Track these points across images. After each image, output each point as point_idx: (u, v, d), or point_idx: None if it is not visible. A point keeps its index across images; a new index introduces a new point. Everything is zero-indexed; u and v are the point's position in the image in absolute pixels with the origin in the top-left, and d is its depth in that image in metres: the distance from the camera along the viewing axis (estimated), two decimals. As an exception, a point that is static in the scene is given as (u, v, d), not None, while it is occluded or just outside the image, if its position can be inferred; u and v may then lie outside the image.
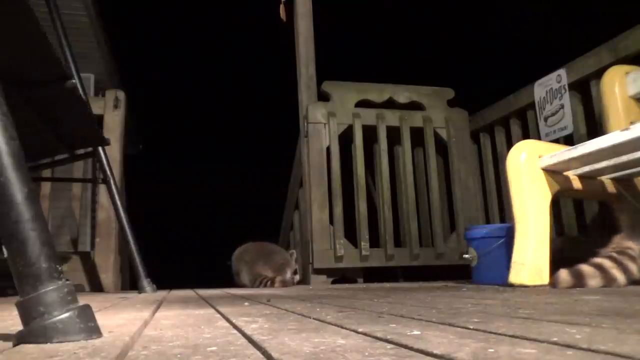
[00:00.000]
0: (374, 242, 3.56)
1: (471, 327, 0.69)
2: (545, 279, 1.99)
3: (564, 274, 1.76)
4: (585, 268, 1.74)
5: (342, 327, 0.74)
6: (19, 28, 1.38)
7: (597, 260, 1.77)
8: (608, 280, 1.72)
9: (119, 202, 2.92)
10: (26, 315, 0.72)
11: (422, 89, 3.92)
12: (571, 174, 2.16)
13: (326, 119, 3.62)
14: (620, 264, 1.74)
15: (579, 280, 1.72)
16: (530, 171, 2.08)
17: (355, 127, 3.64)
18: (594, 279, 1.71)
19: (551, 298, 1.28)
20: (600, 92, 2.42)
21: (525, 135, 3.30)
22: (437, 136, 3.82)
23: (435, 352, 0.50)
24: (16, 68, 1.56)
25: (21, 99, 1.72)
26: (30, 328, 0.71)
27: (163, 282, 3.15)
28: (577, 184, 2.18)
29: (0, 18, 1.31)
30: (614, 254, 1.77)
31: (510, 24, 9.93)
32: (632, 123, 2.04)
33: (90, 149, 3.00)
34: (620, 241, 1.84)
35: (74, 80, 1.82)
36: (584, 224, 2.90)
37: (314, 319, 0.90)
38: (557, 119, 3.03)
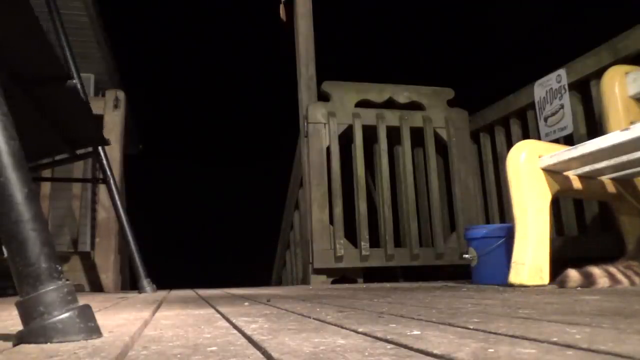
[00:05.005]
0: (374, 242, 3.55)
1: (471, 327, 0.69)
2: (545, 279, 1.99)
3: (573, 272, 1.76)
4: (594, 269, 1.75)
5: (342, 327, 0.74)
6: (19, 25, 1.39)
7: (604, 266, 1.78)
8: (615, 282, 1.72)
9: (119, 202, 2.93)
10: (26, 315, 0.72)
11: (422, 89, 3.92)
12: (571, 174, 2.16)
13: (326, 119, 3.62)
14: (625, 275, 1.74)
15: (588, 280, 1.72)
16: (530, 171, 2.08)
17: (355, 127, 3.64)
18: (602, 279, 1.72)
19: (551, 298, 1.28)
20: (600, 92, 2.42)
21: (525, 135, 3.30)
22: (437, 136, 3.82)
23: (435, 352, 0.50)
24: (16, 62, 1.56)
25: (25, 98, 1.73)
26: (30, 328, 0.71)
27: (163, 282, 3.15)
28: (577, 184, 2.18)
29: (1, 16, 1.31)
30: (621, 267, 1.78)
31: (510, 24, 9.94)
32: (632, 123, 2.04)
33: (90, 148, 3.00)
34: (625, 260, 1.86)
35: (74, 80, 1.82)
36: (584, 224, 2.89)
37: (314, 319, 0.90)
38: (557, 119, 3.03)
